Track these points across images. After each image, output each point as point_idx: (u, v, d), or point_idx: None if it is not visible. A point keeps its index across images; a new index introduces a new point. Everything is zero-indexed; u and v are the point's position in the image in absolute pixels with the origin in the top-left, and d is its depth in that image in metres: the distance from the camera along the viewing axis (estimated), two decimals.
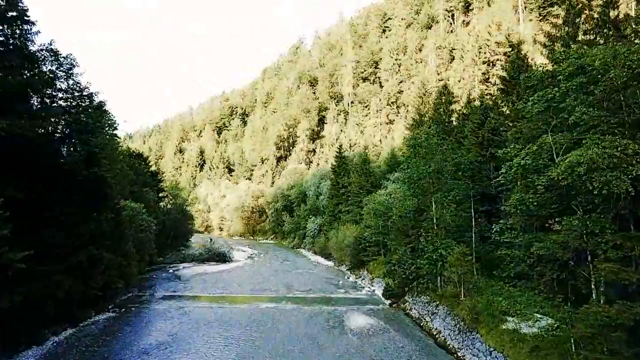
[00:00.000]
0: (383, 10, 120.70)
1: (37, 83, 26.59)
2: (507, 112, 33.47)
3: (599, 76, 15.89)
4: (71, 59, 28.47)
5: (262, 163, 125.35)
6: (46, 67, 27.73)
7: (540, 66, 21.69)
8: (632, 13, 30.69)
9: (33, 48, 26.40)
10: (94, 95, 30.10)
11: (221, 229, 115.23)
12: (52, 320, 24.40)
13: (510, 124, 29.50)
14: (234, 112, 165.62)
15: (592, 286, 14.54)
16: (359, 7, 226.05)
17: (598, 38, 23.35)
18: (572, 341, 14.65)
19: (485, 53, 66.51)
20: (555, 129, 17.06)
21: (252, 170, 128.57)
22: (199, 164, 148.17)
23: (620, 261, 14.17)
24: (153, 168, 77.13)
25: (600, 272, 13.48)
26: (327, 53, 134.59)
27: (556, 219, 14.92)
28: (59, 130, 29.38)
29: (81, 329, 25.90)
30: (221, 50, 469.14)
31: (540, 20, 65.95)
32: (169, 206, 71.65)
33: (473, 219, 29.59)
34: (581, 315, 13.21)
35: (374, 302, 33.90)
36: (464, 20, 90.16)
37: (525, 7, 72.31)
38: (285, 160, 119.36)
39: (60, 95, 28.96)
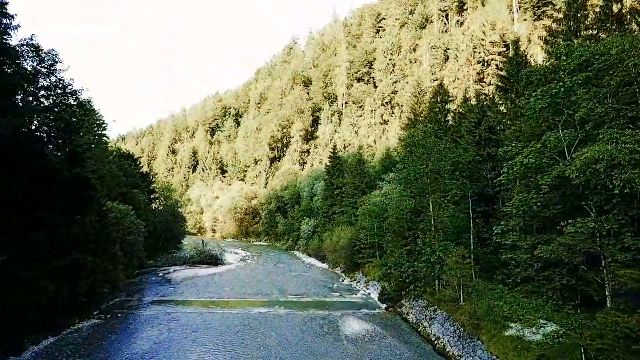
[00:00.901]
0: (377, 11, 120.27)
1: (17, 80, 25.37)
2: (505, 110, 32.80)
3: (604, 70, 15.13)
4: (54, 55, 27.35)
5: (256, 164, 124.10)
6: (27, 63, 26.60)
7: (545, 60, 20.92)
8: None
9: (13, 43, 25.25)
10: (78, 92, 28.98)
11: (214, 231, 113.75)
12: (32, 328, 23.16)
13: (509, 123, 28.80)
14: (228, 113, 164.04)
15: (607, 293, 13.60)
16: (352, 7, 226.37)
17: (600, 33, 22.66)
18: (581, 350, 13.75)
19: (480, 53, 66.19)
20: (562, 126, 16.20)
21: (246, 172, 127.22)
22: (192, 166, 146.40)
23: (632, 265, 13.33)
24: (145, 169, 75.83)
25: (618, 279, 12.54)
26: (320, 54, 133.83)
27: (568, 222, 13.92)
28: (42, 130, 28.22)
29: (63, 338, 24.63)
30: (201, 45, 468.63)
31: (535, 20, 65.64)
32: (160, 208, 70.37)
33: (471, 220, 28.79)
34: (597, 324, 12.28)
35: (370, 306, 32.96)
36: (458, 20, 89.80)
37: (520, 7, 72.07)
38: (279, 161, 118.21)
39: (42, 92, 27.85)
